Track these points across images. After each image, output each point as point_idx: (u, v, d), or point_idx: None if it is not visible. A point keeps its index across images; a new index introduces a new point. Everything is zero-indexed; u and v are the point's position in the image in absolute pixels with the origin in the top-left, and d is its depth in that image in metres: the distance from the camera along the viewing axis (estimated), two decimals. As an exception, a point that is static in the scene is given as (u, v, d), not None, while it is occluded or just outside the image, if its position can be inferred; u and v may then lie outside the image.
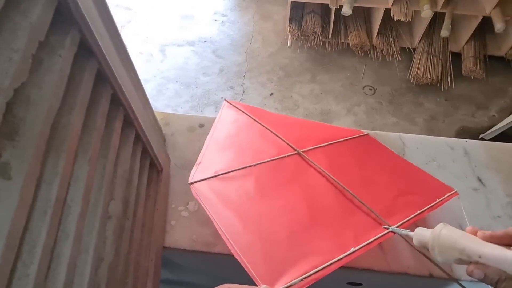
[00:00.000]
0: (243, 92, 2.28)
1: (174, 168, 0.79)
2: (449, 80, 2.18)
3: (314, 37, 2.34)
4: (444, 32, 2.03)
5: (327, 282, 0.56)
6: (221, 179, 0.65)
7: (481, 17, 2.00)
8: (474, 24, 2.04)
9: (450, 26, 2.03)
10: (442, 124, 2.08)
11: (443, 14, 2.06)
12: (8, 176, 0.27)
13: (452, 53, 2.24)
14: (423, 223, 0.69)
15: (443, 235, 0.39)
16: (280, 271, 0.49)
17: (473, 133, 2.03)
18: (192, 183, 0.63)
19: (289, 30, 2.33)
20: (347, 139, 0.81)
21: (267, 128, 0.78)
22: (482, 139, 1.98)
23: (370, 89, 2.27)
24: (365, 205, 0.63)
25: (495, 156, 0.84)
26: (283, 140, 0.75)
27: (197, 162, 0.68)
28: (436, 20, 2.20)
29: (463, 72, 2.17)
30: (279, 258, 0.52)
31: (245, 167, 0.67)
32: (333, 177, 0.67)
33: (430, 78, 2.12)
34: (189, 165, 0.79)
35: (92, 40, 0.40)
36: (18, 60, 0.27)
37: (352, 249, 0.54)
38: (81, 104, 0.38)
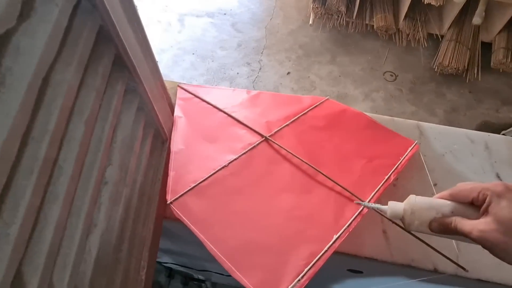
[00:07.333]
0: (260, 69, 2.23)
1: (181, 139, 0.77)
2: (475, 72, 2.08)
3: (338, 16, 2.25)
4: (476, 20, 1.92)
5: (328, 267, 0.55)
6: (198, 190, 0.62)
7: (518, 6, 1.87)
8: (510, 12, 1.92)
9: (484, 14, 1.91)
10: (463, 117, 2.00)
11: (477, 0, 1.94)
12: (-11, 128, 0.25)
13: (483, 43, 2.12)
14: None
15: (419, 200, 0.44)
16: (275, 277, 0.51)
17: (495, 129, 1.95)
18: (171, 202, 0.60)
19: (312, 7, 2.24)
20: (310, 109, 0.80)
21: (229, 116, 0.76)
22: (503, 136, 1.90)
23: (391, 75, 2.18)
24: (338, 185, 0.64)
25: (518, 153, 0.79)
26: (249, 127, 0.73)
27: (170, 174, 0.64)
28: (469, 6, 2.07)
29: (492, 64, 2.06)
30: (270, 263, 0.53)
31: (219, 170, 0.65)
32: (304, 160, 0.67)
33: (455, 68, 2.02)
34: (195, 137, 0.77)
35: (95, -7, 0.37)
36: (3, 3, 0.24)
37: (335, 237, 0.56)
38: (79, 61, 0.36)
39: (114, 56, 0.44)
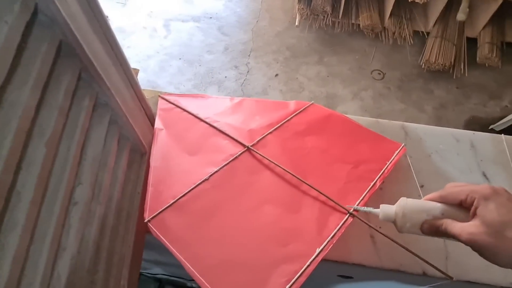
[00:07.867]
0: (248, 72, 2.21)
1: (162, 150, 0.75)
2: (462, 67, 2.08)
3: (324, 16, 2.25)
4: (461, 16, 1.92)
5: (318, 274, 0.54)
6: (178, 206, 0.60)
7: (501, 0, 1.88)
8: (494, 7, 1.92)
9: (468, 10, 1.92)
10: (452, 112, 2.01)
11: (461, -4, 1.95)
12: None
13: (468, 39, 2.13)
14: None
15: (410, 202, 0.45)
16: None
17: (483, 124, 1.95)
18: (149, 221, 0.57)
19: (298, 9, 2.24)
20: (294, 115, 0.78)
21: (211, 126, 0.73)
22: (492, 130, 1.90)
23: (379, 73, 2.18)
24: (322, 194, 0.62)
25: (503, 150, 0.78)
26: (231, 137, 0.71)
27: (148, 189, 0.61)
28: (453, 2, 2.08)
29: (477, 59, 2.07)
30: (250, 281, 0.51)
31: (199, 183, 0.63)
32: (287, 169, 0.65)
33: (442, 64, 2.03)
34: (177, 147, 0.76)
35: (52, 6, 0.35)
36: None
37: (318, 250, 0.54)
38: (36, 79, 0.34)
39: (79, 70, 0.42)
